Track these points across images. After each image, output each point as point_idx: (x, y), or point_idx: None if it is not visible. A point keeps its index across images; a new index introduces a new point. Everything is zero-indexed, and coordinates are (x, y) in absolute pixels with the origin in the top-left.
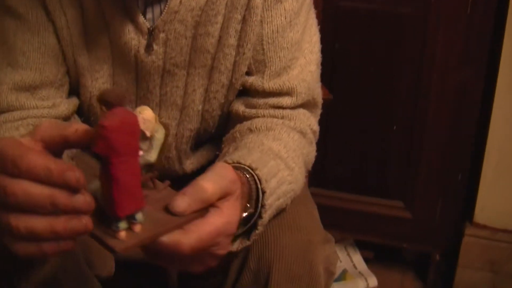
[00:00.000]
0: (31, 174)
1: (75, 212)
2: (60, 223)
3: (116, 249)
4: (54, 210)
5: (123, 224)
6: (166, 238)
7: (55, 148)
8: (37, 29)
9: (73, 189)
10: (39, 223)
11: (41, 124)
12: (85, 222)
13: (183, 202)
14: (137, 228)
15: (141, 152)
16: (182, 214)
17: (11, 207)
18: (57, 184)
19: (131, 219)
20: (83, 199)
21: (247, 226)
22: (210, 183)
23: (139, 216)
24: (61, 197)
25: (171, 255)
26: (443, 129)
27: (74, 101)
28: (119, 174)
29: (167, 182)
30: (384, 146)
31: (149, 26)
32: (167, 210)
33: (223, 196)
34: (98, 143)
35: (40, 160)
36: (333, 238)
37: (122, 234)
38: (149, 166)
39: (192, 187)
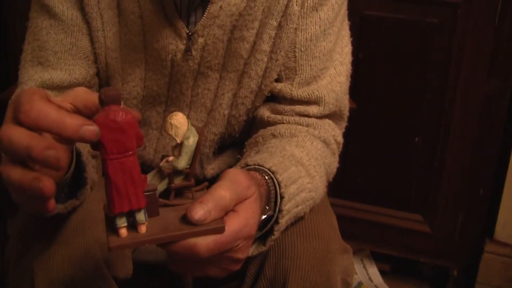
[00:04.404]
0: (40, 123)
1: (45, 165)
2: (28, 178)
3: (109, 245)
4: (31, 161)
5: (119, 221)
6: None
7: (85, 112)
8: (70, 30)
9: (90, 143)
10: (13, 173)
11: (75, 89)
12: (42, 185)
13: (201, 209)
14: (142, 229)
15: (170, 158)
16: (199, 222)
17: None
18: (73, 139)
19: (131, 218)
20: (53, 153)
21: (263, 230)
22: (227, 191)
23: (139, 216)
24: (36, 147)
25: (189, 258)
26: (466, 143)
27: None
28: (110, 171)
29: (205, 184)
30: (406, 158)
31: (187, 31)
32: (185, 218)
33: (239, 202)
34: None
35: (53, 112)
36: (351, 249)
37: (122, 232)
38: (181, 173)
39: (209, 195)
